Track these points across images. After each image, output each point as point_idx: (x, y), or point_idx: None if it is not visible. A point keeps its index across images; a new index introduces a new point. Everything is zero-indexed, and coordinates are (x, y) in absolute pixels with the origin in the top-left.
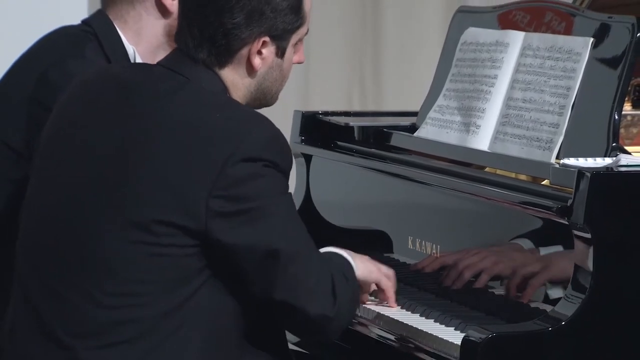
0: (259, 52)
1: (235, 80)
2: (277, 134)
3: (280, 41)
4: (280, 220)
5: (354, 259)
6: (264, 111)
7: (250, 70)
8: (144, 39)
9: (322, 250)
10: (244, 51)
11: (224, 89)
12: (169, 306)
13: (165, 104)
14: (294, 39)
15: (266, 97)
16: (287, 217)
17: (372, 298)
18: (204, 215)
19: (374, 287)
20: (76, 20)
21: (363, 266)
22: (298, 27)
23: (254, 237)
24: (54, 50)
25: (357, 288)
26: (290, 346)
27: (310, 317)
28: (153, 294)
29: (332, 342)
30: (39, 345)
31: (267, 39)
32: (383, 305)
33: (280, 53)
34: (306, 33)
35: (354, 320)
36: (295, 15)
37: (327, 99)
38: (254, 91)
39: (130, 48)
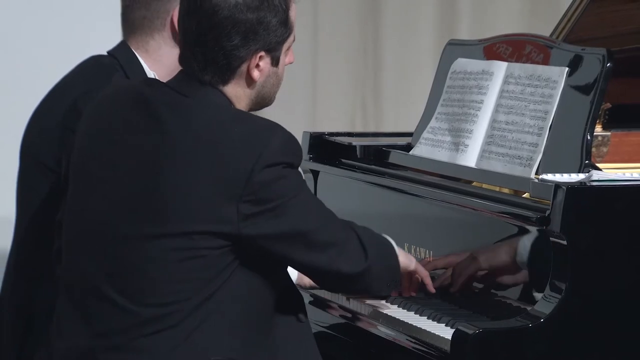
0: (257, 65)
1: (239, 93)
2: (289, 137)
3: (274, 52)
4: (302, 206)
5: (398, 250)
6: None
7: (250, 81)
8: (163, 65)
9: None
10: (243, 67)
11: (229, 103)
12: (205, 295)
13: (186, 121)
14: (284, 47)
15: (265, 100)
16: (307, 201)
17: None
18: (236, 220)
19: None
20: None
21: (404, 255)
22: (288, 37)
23: (283, 226)
24: (83, 80)
25: (390, 246)
26: None
27: (346, 275)
28: (191, 289)
29: (378, 294)
30: (86, 339)
31: (262, 53)
32: (383, 302)
33: (275, 62)
34: (294, 39)
35: (357, 317)
36: (285, 28)
37: (333, 122)
38: (254, 98)
39: (151, 74)
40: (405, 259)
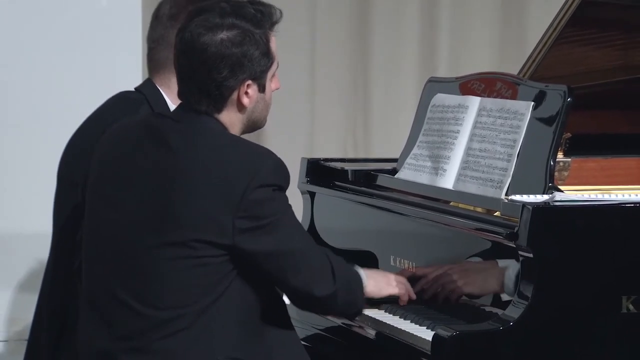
0: (246, 93)
1: (232, 119)
2: (280, 162)
3: (260, 80)
4: (288, 228)
5: (368, 278)
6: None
7: (241, 107)
8: None
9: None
10: (234, 95)
11: (225, 129)
12: (209, 300)
13: (190, 146)
14: (269, 74)
15: (257, 123)
16: (292, 225)
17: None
18: (231, 233)
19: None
20: (134, 83)
21: (374, 283)
22: (271, 65)
23: (271, 245)
24: (113, 112)
25: (357, 282)
26: None
27: (315, 297)
28: (197, 294)
29: (340, 317)
30: (106, 341)
31: (249, 81)
32: (375, 309)
33: (262, 89)
34: (277, 67)
35: (350, 321)
36: (267, 58)
37: (327, 149)
38: (246, 122)
39: (172, 107)
40: (374, 288)
